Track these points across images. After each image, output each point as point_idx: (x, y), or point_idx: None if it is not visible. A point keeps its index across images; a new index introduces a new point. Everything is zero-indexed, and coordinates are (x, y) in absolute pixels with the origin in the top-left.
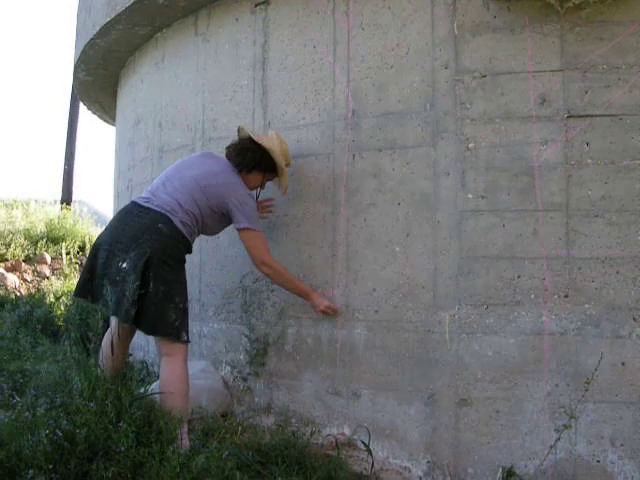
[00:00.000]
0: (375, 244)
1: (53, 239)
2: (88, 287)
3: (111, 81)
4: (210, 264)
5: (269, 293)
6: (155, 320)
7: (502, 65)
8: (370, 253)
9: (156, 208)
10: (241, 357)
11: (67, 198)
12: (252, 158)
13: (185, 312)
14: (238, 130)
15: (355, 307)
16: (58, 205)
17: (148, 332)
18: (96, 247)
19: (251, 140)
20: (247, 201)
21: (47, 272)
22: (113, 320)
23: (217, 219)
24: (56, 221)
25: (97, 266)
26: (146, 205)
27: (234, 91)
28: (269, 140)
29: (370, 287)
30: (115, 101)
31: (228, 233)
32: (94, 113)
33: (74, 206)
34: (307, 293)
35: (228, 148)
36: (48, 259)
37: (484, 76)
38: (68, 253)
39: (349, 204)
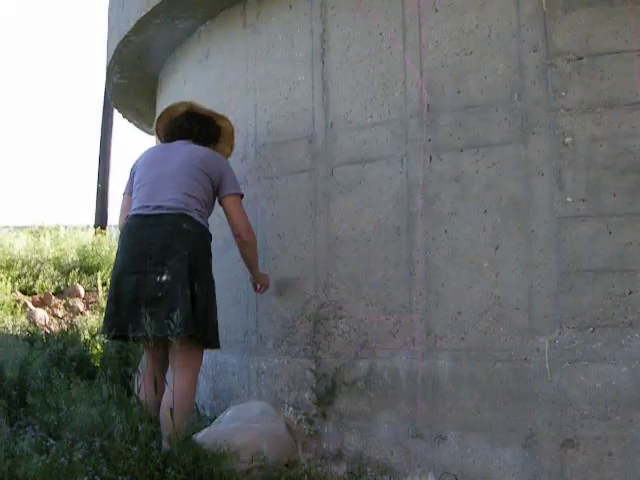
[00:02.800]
0: (459, 260)
1: (87, 268)
2: (116, 321)
3: (149, 83)
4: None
5: (337, 321)
6: (204, 323)
7: (601, 44)
8: (453, 270)
9: (170, 211)
10: (306, 396)
11: (102, 221)
12: (215, 129)
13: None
14: (170, 108)
15: (438, 334)
16: (91, 230)
17: (200, 337)
18: (118, 275)
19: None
20: (230, 167)
21: (80, 306)
22: (148, 354)
23: (213, 195)
24: (90, 248)
25: (124, 293)
26: (157, 212)
27: (290, 89)
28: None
29: (454, 310)
30: (154, 107)
31: (287, 253)
32: (130, 121)
33: (110, 230)
34: (257, 267)
35: (179, 127)
36: (81, 291)
37: (580, 58)
38: (104, 284)
39: (427, 214)
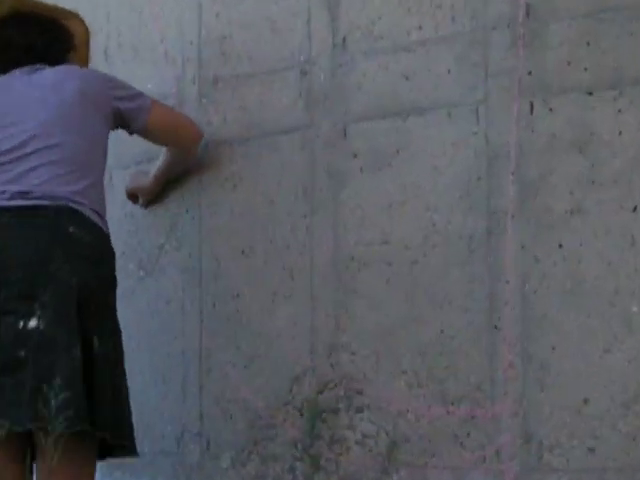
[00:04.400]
0: (587, 300)
1: None
2: None
3: None
4: (219, 356)
5: (353, 415)
6: (112, 410)
7: None
8: (576, 319)
9: (44, 202)
10: None
11: None
12: (65, 35)
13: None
14: None
15: (544, 441)
16: None
17: (112, 435)
18: None
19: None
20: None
21: None
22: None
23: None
24: None
25: None
26: (18, 204)
27: None
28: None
29: (577, 397)
30: None
31: (258, 285)
32: None
33: None
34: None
35: (9, 45)
36: None
37: None
38: None
39: (525, 213)
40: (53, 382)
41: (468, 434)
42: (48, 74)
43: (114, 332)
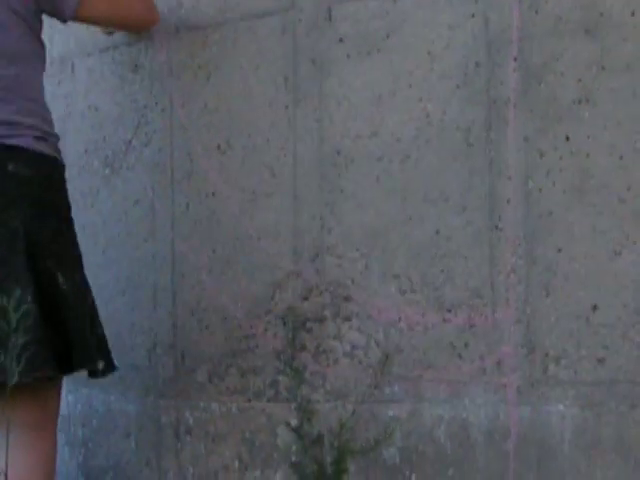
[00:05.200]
0: (595, 196)
1: None
2: None
3: None
4: (193, 261)
5: (340, 324)
6: (95, 340)
7: None
8: (584, 219)
9: None
10: None
11: None
12: None
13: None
14: None
15: (549, 351)
16: None
17: (100, 367)
18: None
19: None
20: None
21: None
22: None
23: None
24: None
25: None
26: None
27: None
28: None
29: (585, 303)
30: None
31: (236, 183)
32: None
33: None
34: None
35: None
36: None
37: None
38: None
39: (526, 101)
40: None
41: (466, 344)
42: None
43: (76, 261)
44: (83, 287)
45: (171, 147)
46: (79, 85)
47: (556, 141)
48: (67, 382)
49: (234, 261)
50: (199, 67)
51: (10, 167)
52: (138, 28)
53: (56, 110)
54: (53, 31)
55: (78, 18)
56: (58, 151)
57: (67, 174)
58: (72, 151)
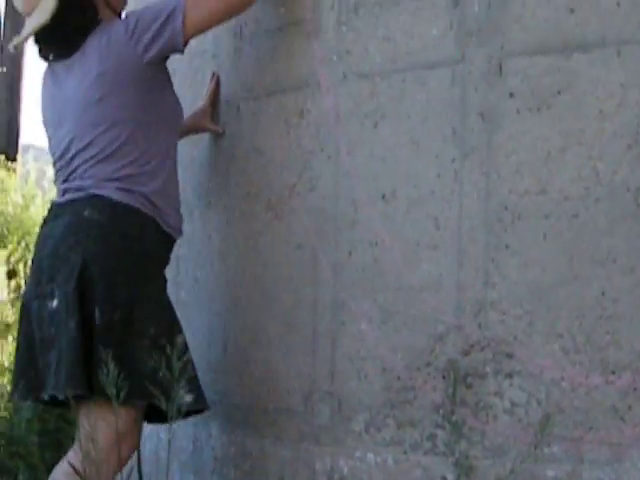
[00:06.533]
0: None
1: None
2: (30, 376)
3: None
4: (354, 309)
5: (501, 380)
6: (124, 372)
7: None
8: None
9: (77, 194)
10: None
11: (8, 148)
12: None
13: (181, 350)
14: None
15: None
16: None
17: (117, 396)
18: (26, 300)
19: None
20: (150, 8)
21: None
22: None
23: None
24: None
25: (35, 332)
26: (63, 200)
27: None
28: None
29: None
30: None
31: (399, 234)
32: None
33: (26, 163)
34: None
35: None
36: None
37: None
38: (12, 275)
39: None
40: (60, 354)
41: (629, 407)
42: (73, 66)
43: (127, 303)
44: (118, 327)
45: (336, 194)
46: (244, 127)
47: None
48: (222, 423)
49: (395, 311)
50: (366, 115)
51: (86, 212)
52: (243, 7)
53: (219, 151)
54: (220, 73)
55: (190, 36)
56: (148, 205)
57: (226, 216)
58: (234, 193)
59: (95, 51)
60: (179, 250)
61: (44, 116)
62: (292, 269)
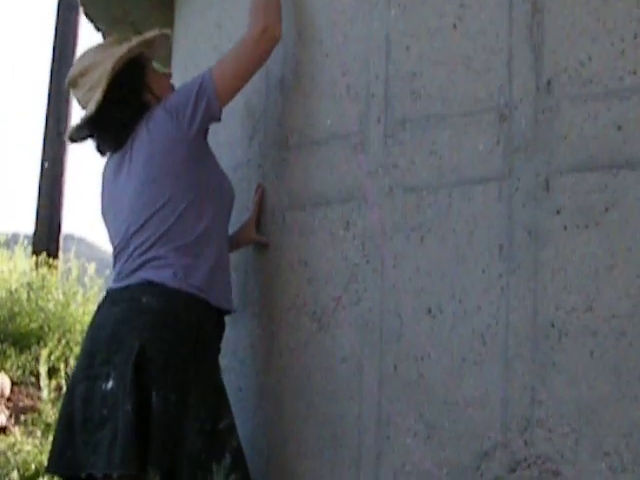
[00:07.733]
0: None
1: (17, 336)
2: (69, 456)
3: None
4: (399, 423)
5: None
6: (165, 451)
7: None
8: None
9: (133, 280)
10: None
11: (47, 243)
12: (134, 73)
13: (224, 437)
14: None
15: None
16: (28, 258)
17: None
18: (71, 383)
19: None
20: (182, 86)
21: (2, 417)
22: None
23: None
24: (24, 294)
25: (77, 412)
26: (120, 285)
27: (461, 5)
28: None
29: None
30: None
31: (442, 344)
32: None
33: (66, 261)
34: None
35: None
36: (6, 386)
37: None
38: (53, 372)
39: None
40: (115, 434)
41: None
42: (124, 156)
43: (182, 387)
44: (173, 409)
45: (381, 307)
46: (289, 238)
47: None
48: None
49: (440, 427)
50: (412, 229)
51: (144, 299)
52: (269, 50)
53: (264, 261)
54: (265, 183)
55: (225, 102)
56: (202, 289)
57: (272, 327)
58: (278, 304)
59: (142, 138)
60: (223, 360)
61: (102, 207)
62: (337, 382)
